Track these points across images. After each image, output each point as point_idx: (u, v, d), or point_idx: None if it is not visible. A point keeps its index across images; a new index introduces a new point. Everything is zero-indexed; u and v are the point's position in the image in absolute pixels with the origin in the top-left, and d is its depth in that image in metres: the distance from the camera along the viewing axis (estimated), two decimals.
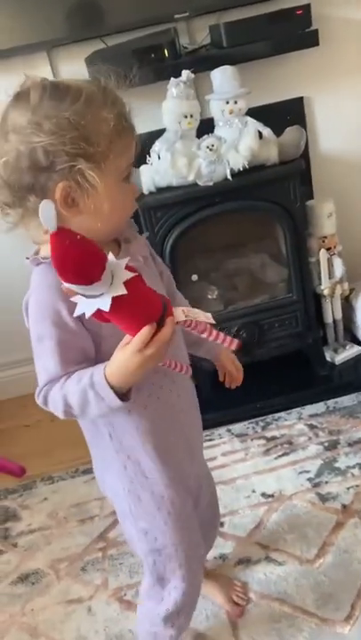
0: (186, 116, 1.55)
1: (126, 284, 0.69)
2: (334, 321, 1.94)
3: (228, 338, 0.80)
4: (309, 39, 1.68)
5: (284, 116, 1.87)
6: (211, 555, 1.38)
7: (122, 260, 0.71)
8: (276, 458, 1.64)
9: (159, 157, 1.59)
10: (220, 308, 1.82)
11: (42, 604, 1.36)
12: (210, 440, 1.77)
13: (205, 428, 1.76)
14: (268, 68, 1.81)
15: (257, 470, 1.61)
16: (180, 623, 1.06)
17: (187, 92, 1.54)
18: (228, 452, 1.71)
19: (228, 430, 1.79)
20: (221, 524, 1.46)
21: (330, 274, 1.84)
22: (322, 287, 1.84)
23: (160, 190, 1.65)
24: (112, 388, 0.80)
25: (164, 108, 1.57)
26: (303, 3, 1.66)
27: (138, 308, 0.73)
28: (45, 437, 1.96)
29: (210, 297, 1.82)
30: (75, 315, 0.72)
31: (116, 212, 0.84)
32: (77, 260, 0.66)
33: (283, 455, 1.65)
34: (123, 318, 0.74)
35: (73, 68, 1.80)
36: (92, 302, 0.70)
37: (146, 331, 0.74)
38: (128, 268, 0.71)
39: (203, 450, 1.14)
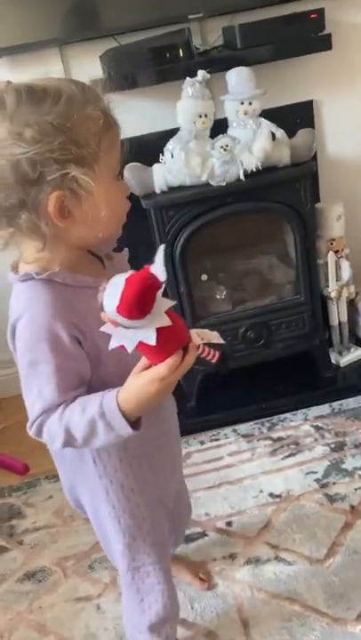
0: (201, 116, 1.55)
1: (166, 312, 0.67)
2: (340, 323, 1.95)
3: (212, 353, 0.76)
4: (323, 43, 1.69)
5: (293, 118, 1.88)
6: (220, 554, 1.39)
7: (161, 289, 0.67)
8: (282, 458, 1.65)
9: (172, 156, 1.59)
10: (228, 308, 1.83)
11: (50, 602, 1.35)
12: (216, 440, 1.77)
13: (211, 427, 1.81)
14: (278, 70, 1.81)
15: (264, 470, 1.62)
16: (167, 632, 1.06)
17: (202, 92, 1.54)
18: (234, 453, 1.71)
19: (234, 430, 1.79)
20: (230, 524, 1.47)
21: (337, 276, 1.85)
22: (329, 289, 1.85)
23: (172, 189, 1.65)
24: (124, 416, 0.75)
25: (179, 107, 1.57)
26: (317, 7, 1.67)
27: (172, 336, 0.70)
28: None
29: (218, 297, 1.82)
30: (110, 347, 0.68)
31: (115, 213, 0.80)
32: (149, 297, 0.64)
33: (289, 456, 1.65)
34: (156, 347, 0.69)
35: (85, 64, 1.80)
36: (133, 334, 0.66)
37: (175, 359, 0.71)
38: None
39: (181, 456, 1.14)
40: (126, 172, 1.63)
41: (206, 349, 0.75)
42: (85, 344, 0.79)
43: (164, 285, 0.66)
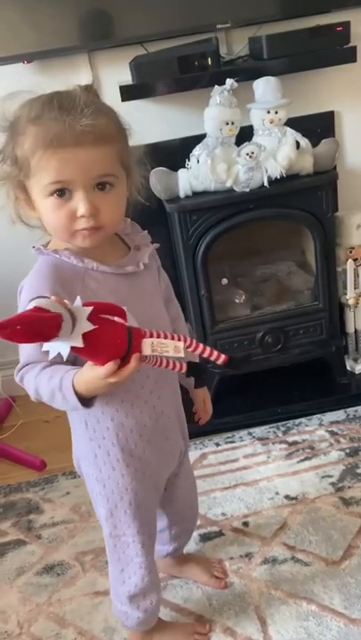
0: (227, 123, 1.58)
1: (85, 335, 0.75)
2: (356, 331, 1.97)
3: (216, 353, 0.82)
4: (347, 55, 1.72)
5: (314, 128, 1.91)
6: (237, 553, 1.41)
7: (85, 309, 0.75)
8: (298, 462, 1.67)
9: (198, 162, 1.62)
10: (246, 312, 1.86)
11: (68, 595, 1.37)
12: (231, 442, 1.79)
13: (226, 430, 1.84)
14: (301, 80, 1.85)
15: (279, 473, 1.64)
16: (145, 606, 1.12)
17: (230, 100, 1.58)
18: (249, 455, 1.73)
19: (250, 433, 1.81)
20: (246, 524, 1.49)
21: (355, 284, 1.88)
22: (347, 297, 1.88)
23: (196, 194, 1.69)
24: (77, 393, 0.84)
25: (207, 114, 1.61)
26: (343, 20, 1.71)
27: (97, 351, 0.79)
28: (64, 433, 1.94)
29: (237, 301, 1.85)
30: (42, 349, 0.76)
31: (51, 224, 0.90)
32: (25, 335, 0.71)
33: (305, 459, 1.67)
34: (85, 357, 0.80)
35: (113, 71, 1.84)
36: (53, 345, 0.75)
37: (109, 367, 0.79)
38: (96, 309, 0.76)
39: (187, 453, 1.18)
40: (152, 176, 1.67)
41: (159, 360, 0.83)
42: None
43: (63, 317, 0.73)
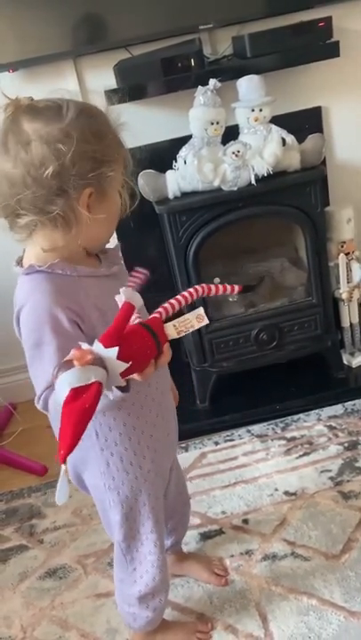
0: (212, 123, 1.59)
1: (122, 373, 0.72)
2: (351, 325, 1.97)
3: (229, 286, 0.87)
4: (331, 50, 1.72)
5: (301, 124, 1.91)
6: (237, 550, 1.41)
7: (112, 350, 0.71)
8: (297, 457, 1.67)
9: (185, 162, 1.63)
10: (240, 310, 1.86)
11: (71, 598, 1.38)
12: (230, 440, 1.80)
13: (225, 428, 1.84)
14: (287, 77, 1.85)
15: (279, 469, 1.64)
16: (155, 605, 1.13)
17: (214, 100, 1.58)
18: (248, 452, 1.73)
19: (248, 431, 1.82)
20: (246, 521, 1.49)
21: (348, 278, 1.88)
22: (340, 291, 1.88)
23: (185, 195, 1.69)
24: None
25: (192, 115, 1.62)
26: (325, 15, 1.71)
27: (137, 368, 0.76)
28: None
29: (231, 300, 1.85)
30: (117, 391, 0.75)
31: (114, 214, 0.93)
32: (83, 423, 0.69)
33: (304, 455, 1.68)
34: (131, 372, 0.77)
35: (98, 76, 1.85)
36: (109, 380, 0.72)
37: (150, 371, 0.78)
38: (122, 348, 0.72)
39: (177, 443, 1.20)
40: (140, 179, 1.67)
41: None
42: (84, 326, 0.88)
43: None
